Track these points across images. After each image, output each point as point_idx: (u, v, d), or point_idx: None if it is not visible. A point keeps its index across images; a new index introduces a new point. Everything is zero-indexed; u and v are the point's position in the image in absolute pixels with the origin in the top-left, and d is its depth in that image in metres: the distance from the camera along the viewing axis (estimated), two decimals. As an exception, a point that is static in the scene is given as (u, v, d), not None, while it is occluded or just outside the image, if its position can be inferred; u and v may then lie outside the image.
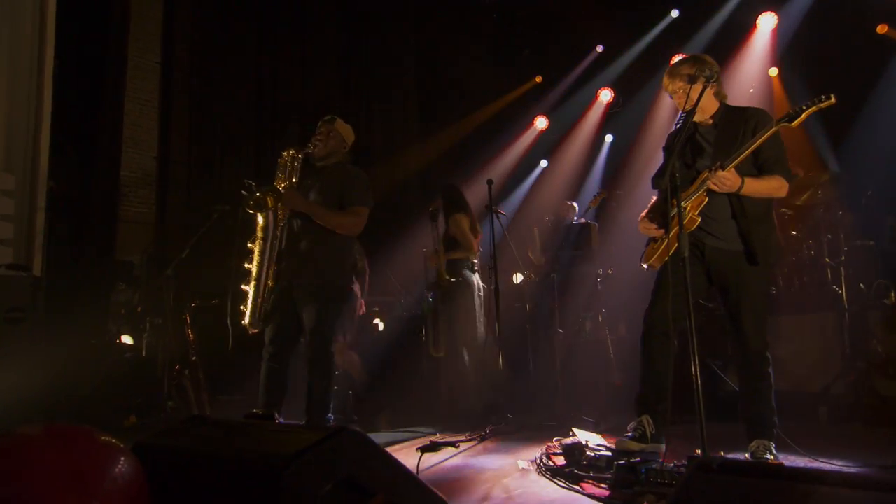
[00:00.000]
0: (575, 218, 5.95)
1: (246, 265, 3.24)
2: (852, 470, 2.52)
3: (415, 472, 1.96)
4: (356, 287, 4.85)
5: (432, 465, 2.85)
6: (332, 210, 3.32)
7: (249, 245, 3.26)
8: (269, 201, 3.24)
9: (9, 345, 3.82)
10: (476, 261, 4.68)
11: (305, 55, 8.15)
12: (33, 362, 3.85)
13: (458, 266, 4.62)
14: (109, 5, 6.19)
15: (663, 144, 2.93)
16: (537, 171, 7.70)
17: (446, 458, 2.99)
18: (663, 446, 2.57)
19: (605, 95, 7.36)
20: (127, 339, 5.25)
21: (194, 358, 4.65)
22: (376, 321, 6.35)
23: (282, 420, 3.42)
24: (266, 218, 3.25)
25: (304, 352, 3.29)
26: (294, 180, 3.35)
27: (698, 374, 2.04)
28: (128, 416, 4.42)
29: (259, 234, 3.25)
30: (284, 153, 3.41)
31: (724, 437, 2.98)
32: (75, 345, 4.79)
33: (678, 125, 2.36)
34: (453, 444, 3.02)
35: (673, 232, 2.65)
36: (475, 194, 5.38)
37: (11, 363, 3.63)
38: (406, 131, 7.87)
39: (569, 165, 7.38)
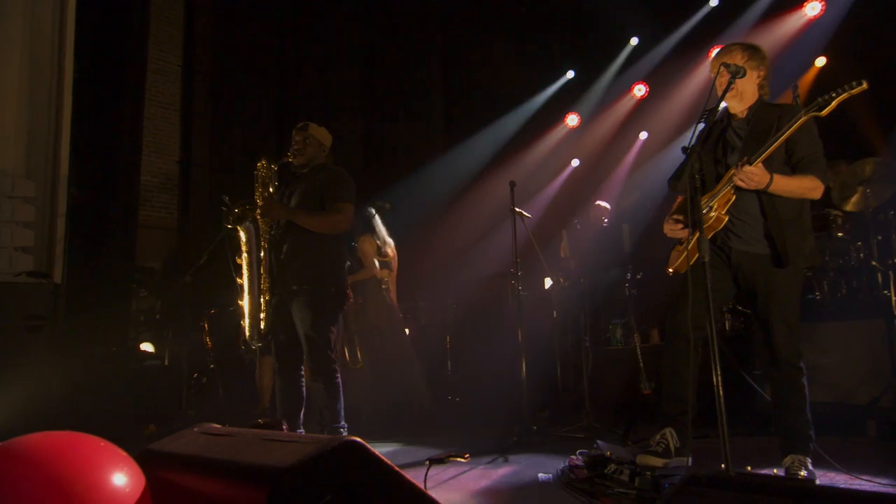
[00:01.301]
0: (606, 219, 5.91)
1: (238, 280, 3.33)
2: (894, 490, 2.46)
3: (423, 485, 1.99)
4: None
5: (449, 478, 2.88)
6: (312, 212, 3.39)
7: (238, 261, 3.36)
8: (248, 214, 3.35)
9: (29, 352, 3.98)
10: (383, 279, 4.97)
11: (327, 55, 8.29)
12: (53, 370, 4.01)
13: (361, 286, 4.89)
14: (129, 8, 6.40)
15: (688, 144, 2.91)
16: (567, 170, 7.66)
17: (464, 471, 3.01)
18: (688, 460, 2.55)
19: (640, 90, 7.29)
20: (147, 347, 5.41)
21: (212, 365, 4.78)
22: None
23: (302, 430, 3.51)
24: (248, 232, 3.36)
25: (305, 360, 3.36)
26: (271, 190, 3.44)
27: (720, 384, 2.02)
28: (147, 424, 4.55)
29: (244, 248, 3.35)
30: (259, 164, 3.50)
31: (758, 452, 2.93)
32: (95, 352, 4.97)
33: (701, 121, 2.34)
34: (460, 456, 3.03)
35: (696, 235, 2.63)
36: (500, 195, 5.40)
37: (31, 371, 3.78)
38: (431, 130, 7.93)
39: (600, 164, 7.32)
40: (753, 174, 2.46)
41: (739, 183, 2.50)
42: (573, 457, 3.04)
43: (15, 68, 4.64)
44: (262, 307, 3.34)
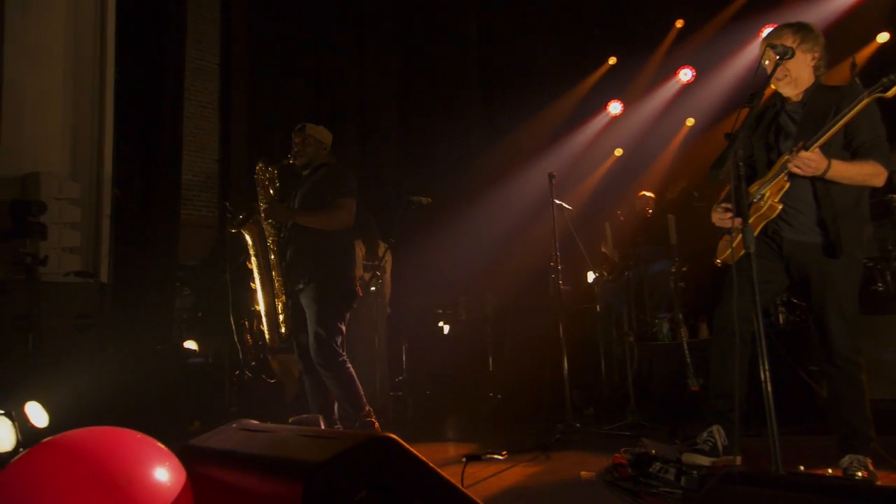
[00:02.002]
0: (650, 210, 5.82)
1: (252, 285, 3.44)
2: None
3: (460, 482, 2.01)
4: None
5: (491, 476, 2.89)
6: (314, 211, 3.46)
7: (248, 265, 3.46)
8: (251, 218, 3.44)
9: (78, 350, 4.17)
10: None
11: (363, 50, 8.36)
12: (101, 367, 4.18)
13: None
14: (166, 7, 6.58)
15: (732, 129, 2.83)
16: (610, 160, 7.56)
17: (503, 469, 3.02)
18: (737, 459, 2.50)
19: (686, 75, 7.12)
20: (190, 345, 5.58)
21: (254, 363, 4.90)
22: (441, 324, 6.45)
23: (339, 425, 3.58)
24: (253, 235, 3.45)
25: (312, 355, 3.44)
26: (272, 192, 3.53)
27: (767, 380, 1.98)
28: (192, 421, 4.70)
29: (251, 251, 3.45)
30: (258, 168, 3.61)
31: (815, 452, 2.85)
32: (141, 350, 5.16)
33: (745, 105, 2.27)
34: (497, 453, 3.04)
35: (751, 222, 2.56)
36: (540, 187, 5.36)
37: (80, 368, 3.96)
38: (468, 122, 7.92)
39: (644, 153, 7.19)
40: (810, 160, 2.37)
41: (794, 170, 2.42)
42: (617, 455, 3.02)
43: (59, 72, 4.84)
44: (280, 309, 3.44)
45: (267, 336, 3.55)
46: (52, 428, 3.46)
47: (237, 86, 8.27)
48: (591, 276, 5.78)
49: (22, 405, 3.36)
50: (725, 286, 2.68)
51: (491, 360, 5.76)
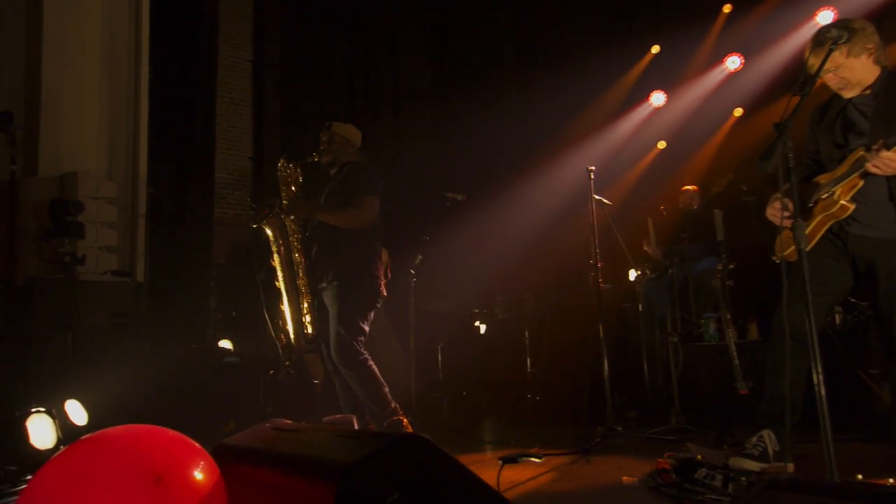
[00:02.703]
0: (695, 205, 5.72)
1: (276, 284, 3.49)
2: None
3: (496, 485, 2.02)
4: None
5: (529, 479, 2.89)
6: (336, 208, 3.51)
7: (272, 263, 3.51)
8: (272, 214, 3.49)
9: (115, 349, 4.31)
10: None
11: (396, 44, 8.41)
12: (137, 366, 4.31)
13: None
14: (199, 5, 6.73)
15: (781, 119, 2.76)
16: (652, 152, 7.45)
17: (541, 473, 3.02)
18: (789, 466, 2.45)
19: (733, 62, 6.97)
20: (225, 344, 5.71)
21: (287, 362, 4.98)
22: (477, 323, 6.46)
23: (373, 426, 3.62)
24: (274, 231, 3.50)
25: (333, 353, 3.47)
26: (294, 189, 3.57)
27: (821, 383, 1.94)
28: (227, 421, 4.80)
29: (273, 248, 3.51)
30: (279, 164, 3.66)
31: (876, 460, 2.77)
32: (177, 349, 5.30)
33: (799, 92, 2.21)
34: (535, 456, 3.03)
35: (816, 220, 2.51)
36: (578, 182, 5.32)
37: (117, 367, 4.08)
38: (504, 115, 7.89)
39: (689, 145, 7.07)
40: (891, 160, 2.28)
41: (874, 170, 2.33)
42: (661, 460, 2.98)
43: (95, 72, 5.00)
44: (305, 310, 3.48)
45: (293, 336, 3.61)
46: (91, 426, 3.59)
47: (270, 83, 8.41)
48: (632, 275, 5.71)
49: (62, 403, 3.48)
50: (784, 286, 2.62)
51: (529, 360, 5.74)
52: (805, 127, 2.80)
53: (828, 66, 2.40)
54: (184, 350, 5.32)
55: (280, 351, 3.69)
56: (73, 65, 4.88)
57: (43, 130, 4.73)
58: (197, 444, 1.53)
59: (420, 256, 4.57)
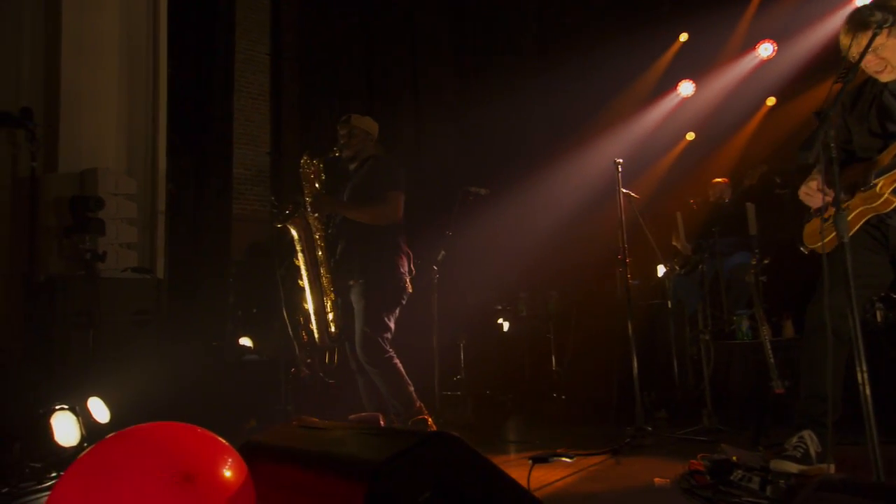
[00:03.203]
0: (727, 198, 5.65)
1: (300, 283, 3.50)
2: None
3: (526, 484, 2.01)
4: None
5: (558, 480, 2.88)
6: (360, 204, 3.52)
7: (295, 262, 3.52)
8: (297, 213, 3.50)
9: (136, 346, 4.37)
10: None
11: (416, 34, 8.40)
12: (158, 363, 4.37)
13: None
14: (215, -3, 6.76)
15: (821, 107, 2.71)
16: (680, 144, 7.37)
17: (570, 473, 3.01)
18: (831, 468, 2.41)
19: (766, 49, 6.86)
20: (245, 341, 5.76)
21: (309, 360, 5.01)
22: (500, 321, 6.45)
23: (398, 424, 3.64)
24: (299, 231, 3.51)
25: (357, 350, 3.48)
26: (318, 186, 3.58)
27: (865, 381, 1.90)
28: (248, 419, 4.85)
29: (297, 247, 3.52)
30: (302, 161, 3.66)
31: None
32: (197, 346, 5.36)
33: (841, 79, 2.16)
34: (566, 456, 3.02)
35: (856, 212, 2.46)
36: (604, 174, 5.29)
37: (138, 364, 4.14)
38: (527, 107, 7.85)
39: (719, 136, 6.98)
40: None
41: None
42: (694, 461, 2.96)
43: (114, 67, 5.06)
44: (329, 308, 3.50)
45: (316, 335, 3.64)
46: (113, 423, 3.65)
47: (288, 76, 8.45)
48: (660, 270, 5.67)
49: (85, 400, 3.54)
50: (822, 279, 2.58)
51: (554, 358, 5.72)
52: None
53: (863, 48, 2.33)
54: (204, 347, 5.38)
55: (297, 350, 3.72)
56: (92, 61, 4.94)
57: (62, 126, 4.80)
58: (226, 442, 1.54)
59: (443, 252, 4.58)
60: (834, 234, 2.50)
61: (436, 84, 8.20)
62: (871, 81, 2.57)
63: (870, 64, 2.44)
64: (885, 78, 2.49)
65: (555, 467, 3.00)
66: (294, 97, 8.41)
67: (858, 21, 2.39)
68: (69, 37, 4.84)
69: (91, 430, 3.36)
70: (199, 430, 1.50)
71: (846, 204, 2.47)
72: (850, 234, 2.46)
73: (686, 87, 7.38)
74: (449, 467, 1.50)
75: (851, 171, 2.57)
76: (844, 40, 2.44)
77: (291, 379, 5.15)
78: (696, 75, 7.26)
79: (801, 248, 2.68)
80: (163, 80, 5.39)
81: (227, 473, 1.46)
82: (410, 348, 5.28)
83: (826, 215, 2.54)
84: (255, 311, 5.78)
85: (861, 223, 2.48)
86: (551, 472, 2.95)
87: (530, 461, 2.76)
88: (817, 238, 2.60)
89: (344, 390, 5.19)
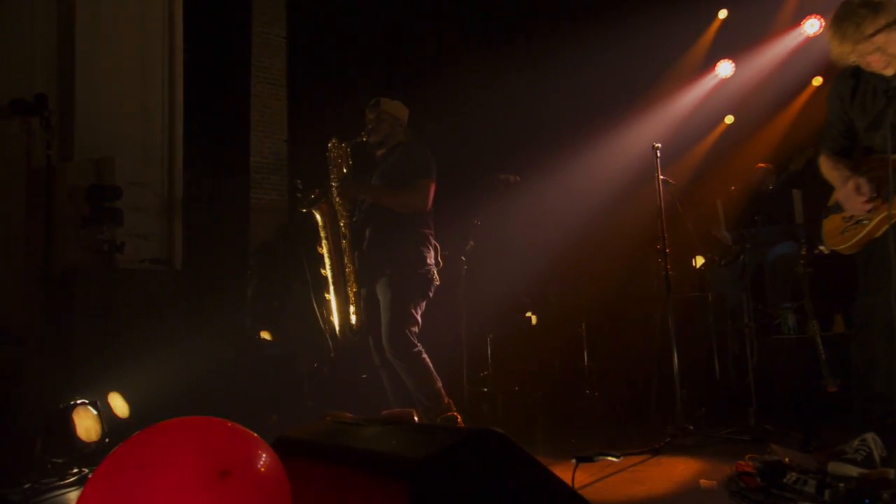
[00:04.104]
0: (771, 185, 5.56)
1: (322, 272, 3.47)
2: None
3: (571, 484, 1.99)
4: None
5: (597, 480, 2.86)
6: (391, 189, 3.48)
7: (319, 250, 3.49)
8: (324, 198, 3.47)
9: (154, 339, 4.40)
10: None
11: (440, 11, 8.34)
12: (177, 357, 4.40)
13: None
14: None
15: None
16: (719, 128, 7.27)
17: (612, 473, 2.98)
18: (892, 472, 2.36)
19: (812, 26, 6.71)
20: (265, 335, 5.79)
21: (332, 354, 5.03)
22: (528, 314, 6.41)
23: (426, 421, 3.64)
24: (325, 216, 3.48)
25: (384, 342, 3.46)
26: (345, 170, 3.55)
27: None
28: (269, 414, 4.88)
29: (322, 234, 3.49)
30: (330, 144, 3.63)
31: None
32: (216, 340, 5.39)
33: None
34: (612, 455, 3.00)
35: (883, 215, 2.43)
36: (641, 160, 5.22)
37: (156, 357, 4.17)
38: (558, 88, 7.76)
39: (761, 119, 6.86)
40: None
41: None
42: (741, 462, 2.91)
43: (130, 55, 5.10)
44: (352, 299, 3.48)
45: (337, 328, 3.63)
46: (134, 418, 3.69)
47: (305, 61, 8.44)
48: (699, 261, 5.59)
49: (105, 395, 3.58)
50: (865, 274, 2.54)
51: (586, 353, 5.68)
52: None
53: (872, 47, 2.40)
54: (223, 341, 5.42)
55: (329, 343, 3.71)
56: (107, 47, 4.98)
57: (78, 114, 4.84)
58: (260, 438, 1.54)
59: (471, 242, 4.55)
60: (860, 236, 2.48)
61: (462, 66, 8.14)
62: (870, 73, 2.59)
63: (877, 63, 2.47)
64: (891, 72, 2.51)
65: (594, 467, 2.98)
66: (311, 81, 8.39)
67: (843, 17, 2.46)
68: (83, 22, 4.88)
69: (112, 425, 3.40)
70: (233, 425, 1.50)
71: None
72: (880, 233, 2.44)
73: (725, 68, 7.25)
74: (494, 465, 1.48)
75: (867, 162, 2.58)
76: (837, 48, 2.49)
77: (314, 373, 5.18)
78: (736, 54, 7.14)
79: (821, 248, 2.64)
80: (179, 65, 5.42)
81: (263, 469, 1.46)
82: (437, 342, 5.28)
83: (846, 215, 2.52)
84: (275, 304, 5.80)
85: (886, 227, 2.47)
86: (590, 472, 2.93)
87: (574, 460, 2.74)
88: (839, 238, 2.58)
89: (365, 386, 5.21)
